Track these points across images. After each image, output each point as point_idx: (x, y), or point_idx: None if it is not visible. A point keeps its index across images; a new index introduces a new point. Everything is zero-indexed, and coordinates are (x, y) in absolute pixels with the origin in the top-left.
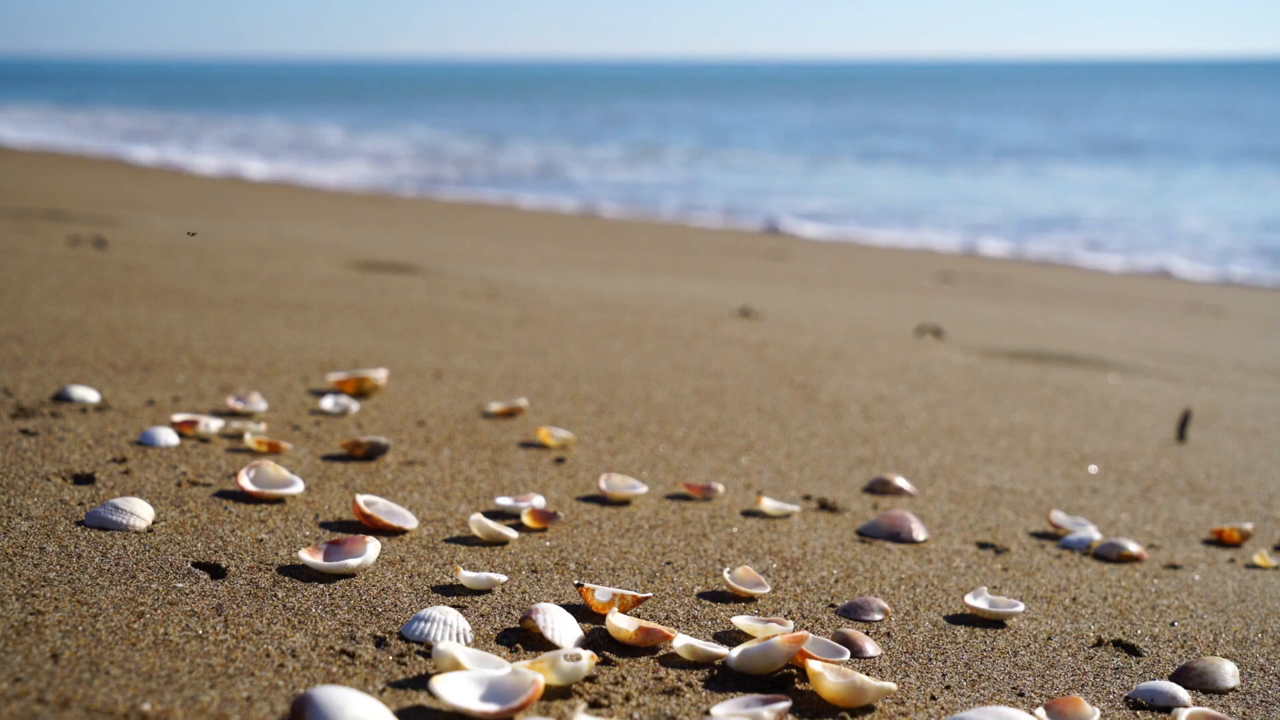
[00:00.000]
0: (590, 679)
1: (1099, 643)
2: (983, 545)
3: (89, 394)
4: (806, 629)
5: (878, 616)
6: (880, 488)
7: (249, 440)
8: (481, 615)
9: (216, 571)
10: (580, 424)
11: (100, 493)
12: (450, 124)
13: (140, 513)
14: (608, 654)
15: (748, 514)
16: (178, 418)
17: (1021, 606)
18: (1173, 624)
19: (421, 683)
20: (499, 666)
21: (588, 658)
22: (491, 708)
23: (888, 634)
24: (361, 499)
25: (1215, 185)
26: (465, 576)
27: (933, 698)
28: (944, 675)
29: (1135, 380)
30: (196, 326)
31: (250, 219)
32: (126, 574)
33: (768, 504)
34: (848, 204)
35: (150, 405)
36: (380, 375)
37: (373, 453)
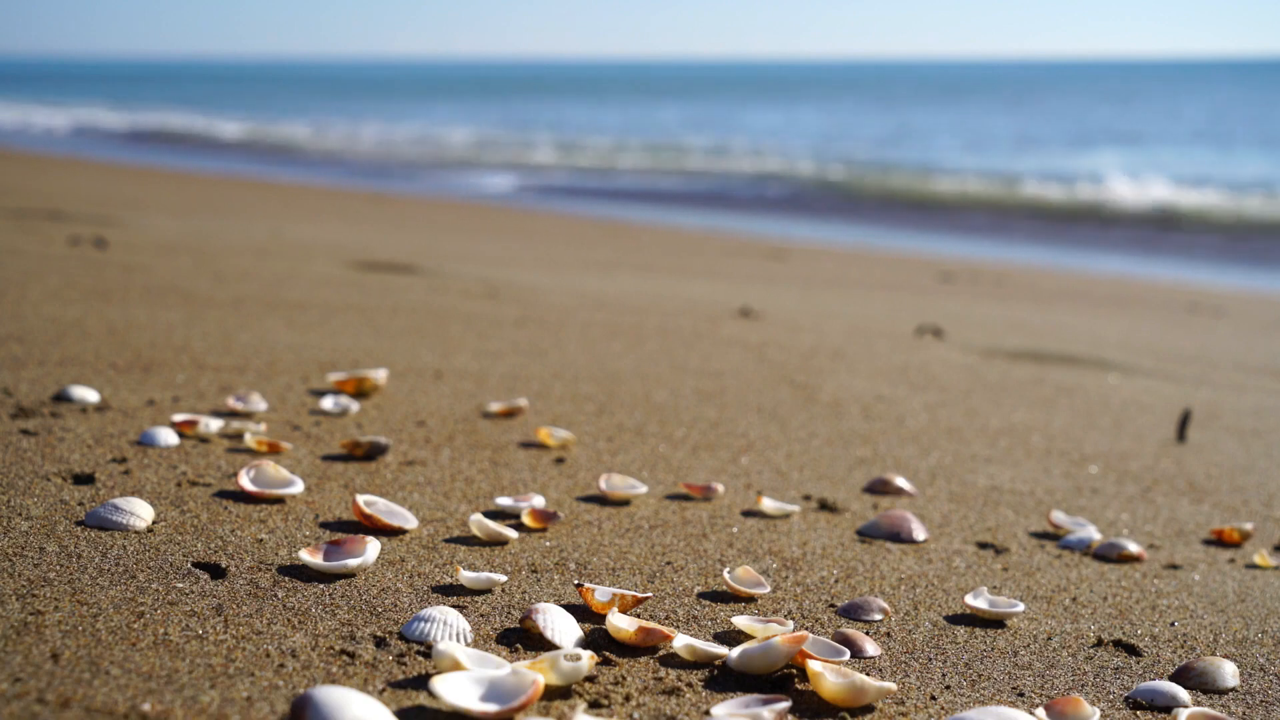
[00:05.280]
0: (590, 679)
1: (1099, 643)
2: (983, 545)
3: (89, 394)
4: (806, 629)
5: (878, 616)
6: (880, 488)
7: (249, 440)
8: (481, 615)
9: (216, 571)
10: (580, 424)
11: (100, 493)
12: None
13: (140, 513)
14: (608, 654)
15: (748, 514)
16: (178, 418)
17: (1021, 606)
18: (1173, 624)
19: (421, 683)
20: (499, 666)
21: (588, 658)
22: (491, 708)
23: (888, 634)
24: (361, 499)
25: None
26: (465, 576)
27: (933, 698)
28: (944, 675)
29: (1135, 380)
30: (196, 326)
31: (250, 219)
32: (126, 574)
33: (768, 504)
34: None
35: (150, 405)
36: (380, 375)
37: (373, 453)
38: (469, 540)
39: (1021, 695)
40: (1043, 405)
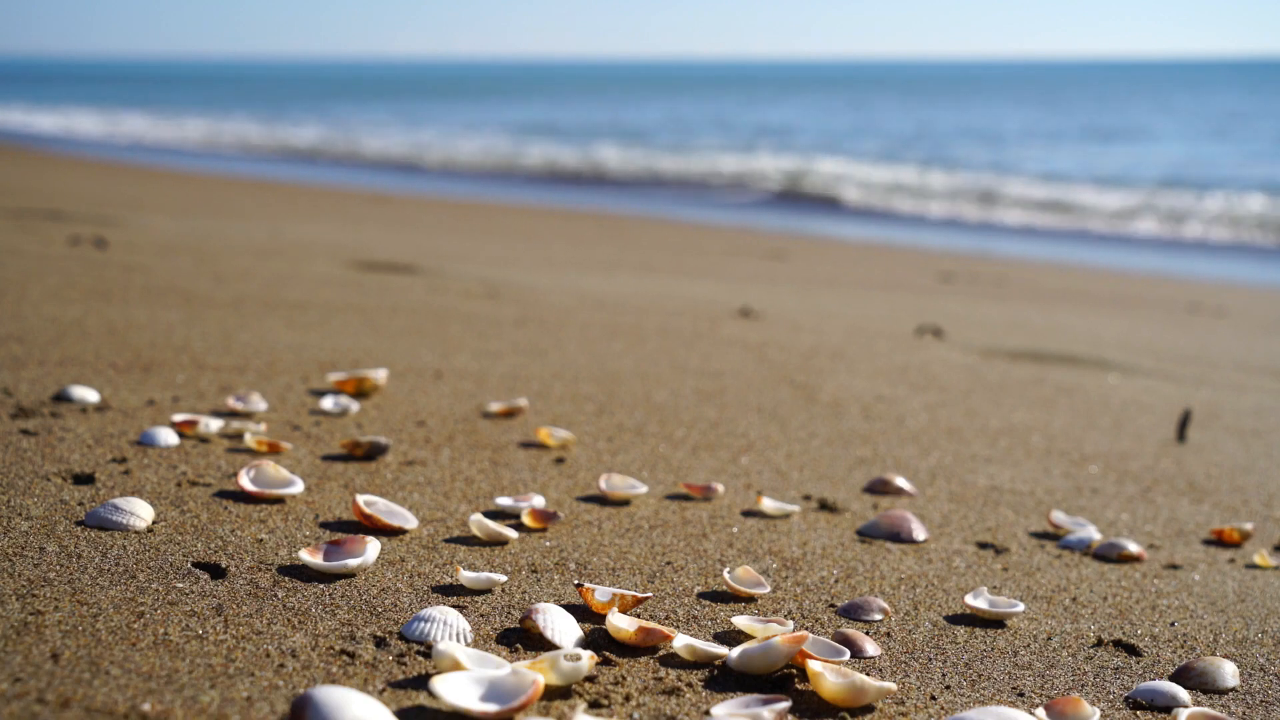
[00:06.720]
0: (590, 679)
1: (1099, 643)
2: (983, 545)
3: (89, 394)
4: (806, 629)
5: (878, 616)
6: (880, 488)
7: (249, 440)
8: (481, 615)
9: (216, 571)
10: (580, 424)
11: (100, 493)
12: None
13: (140, 513)
14: (608, 654)
15: (748, 514)
16: (178, 418)
17: (1021, 606)
18: (1173, 624)
19: (421, 683)
20: (499, 666)
21: (588, 658)
22: (491, 708)
23: (888, 634)
24: (361, 499)
25: None
26: (465, 576)
27: (933, 698)
28: (944, 675)
29: (1135, 380)
30: (196, 326)
31: (250, 219)
32: (126, 574)
33: (768, 504)
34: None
35: (150, 405)
36: (380, 375)
37: (373, 453)
38: (469, 540)
39: (1021, 695)
40: (1043, 405)
